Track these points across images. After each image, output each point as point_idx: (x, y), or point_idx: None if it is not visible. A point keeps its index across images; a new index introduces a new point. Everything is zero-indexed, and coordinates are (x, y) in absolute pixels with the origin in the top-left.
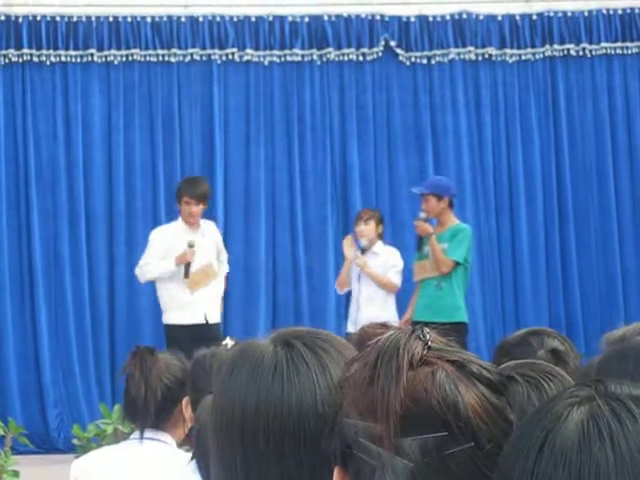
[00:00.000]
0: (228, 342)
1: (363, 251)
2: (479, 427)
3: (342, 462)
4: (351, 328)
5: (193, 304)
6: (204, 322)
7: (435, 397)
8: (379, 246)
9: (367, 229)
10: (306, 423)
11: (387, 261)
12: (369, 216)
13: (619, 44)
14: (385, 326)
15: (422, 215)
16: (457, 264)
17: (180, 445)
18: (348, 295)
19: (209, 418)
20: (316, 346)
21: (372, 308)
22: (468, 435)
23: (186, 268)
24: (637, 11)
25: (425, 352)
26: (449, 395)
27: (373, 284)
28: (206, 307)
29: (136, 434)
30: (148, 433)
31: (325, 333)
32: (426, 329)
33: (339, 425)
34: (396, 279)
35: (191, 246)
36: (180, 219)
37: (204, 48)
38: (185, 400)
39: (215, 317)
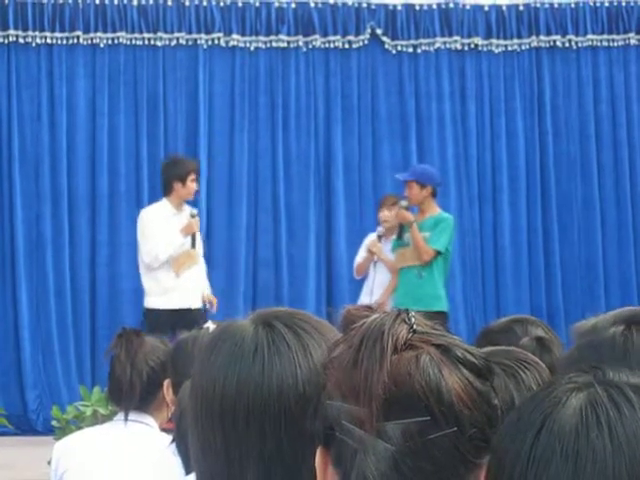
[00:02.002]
0: (210, 326)
1: (380, 238)
2: (462, 412)
3: (324, 443)
4: None
5: (177, 289)
6: (187, 307)
7: (418, 381)
8: None
9: (390, 215)
10: (287, 403)
11: None
12: (392, 202)
13: (605, 36)
14: (370, 309)
15: (403, 203)
16: (438, 253)
17: (163, 428)
18: (335, 282)
19: (189, 399)
20: (297, 326)
21: (385, 297)
22: (451, 420)
23: (192, 239)
24: (624, 4)
25: (410, 336)
26: (432, 379)
27: (387, 271)
28: (190, 292)
29: (120, 416)
30: (132, 415)
31: (305, 314)
32: (412, 312)
33: (322, 407)
34: None
35: (193, 216)
36: (165, 200)
37: (190, 32)
38: (166, 382)
39: (198, 303)
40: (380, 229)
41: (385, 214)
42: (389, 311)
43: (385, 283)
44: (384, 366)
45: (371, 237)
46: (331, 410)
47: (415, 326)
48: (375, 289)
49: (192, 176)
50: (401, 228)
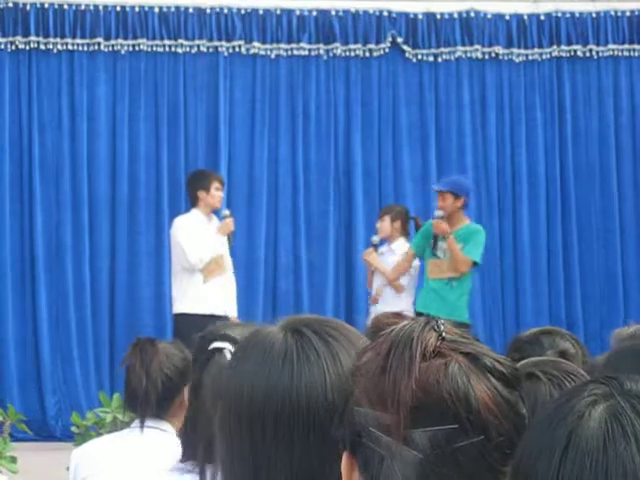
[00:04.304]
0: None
1: (375, 247)
2: (490, 420)
3: (351, 450)
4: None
5: (205, 295)
6: (213, 314)
7: (446, 389)
8: (399, 243)
9: (380, 226)
10: (315, 410)
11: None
12: (383, 212)
13: (626, 46)
14: (399, 316)
15: (439, 213)
16: (474, 264)
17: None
18: (354, 289)
19: (216, 404)
20: (326, 334)
21: (383, 303)
22: (478, 428)
23: (229, 238)
24: None
25: (439, 343)
26: (460, 387)
27: (384, 279)
28: (217, 299)
29: (136, 423)
30: (149, 422)
31: (335, 321)
32: (441, 320)
33: (350, 413)
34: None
35: (226, 216)
36: (195, 210)
37: (211, 40)
38: (187, 388)
39: (223, 310)
40: (375, 238)
41: (378, 225)
42: (418, 318)
43: (384, 291)
44: (412, 373)
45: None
46: (358, 416)
47: (444, 334)
48: (378, 298)
49: (216, 184)
50: (435, 239)
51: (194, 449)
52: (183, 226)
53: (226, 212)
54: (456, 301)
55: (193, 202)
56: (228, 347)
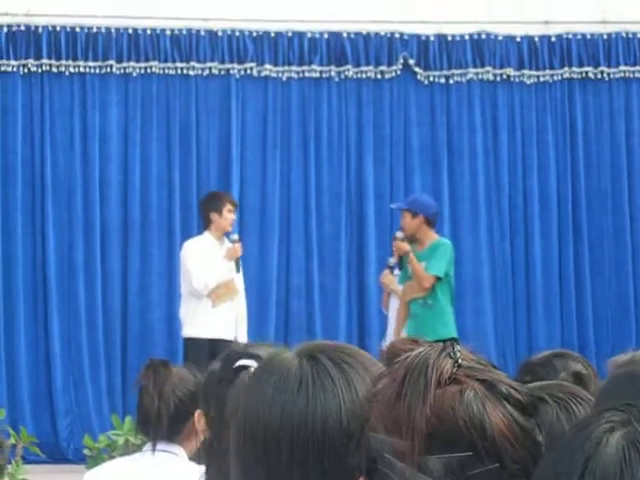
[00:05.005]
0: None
1: (391, 269)
2: (505, 448)
3: (367, 476)
4: (384, 344)
5: (212, 320)
6: (221, 338)
7: (461, 416)
8: None
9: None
10: (331, 437)
11: None
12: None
13: (638, 67)
14: (415, 342)
15: (399, 234)
16: (438, 279)
17: (192, 458)
18: (367, 311)
19: (230, 430)
20: (341, 360)
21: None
22: (493, 456)
23: (237, 263)
24: None
25: (454, 370)
26: (476, 415)
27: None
28: (224, 323)
29: (148, 446)
30: (160, 445)
31: (350, 347)
32: (457, 346)
33: (365, 439)
34: None
35: (235, 241)
36: (207, 233)
37: (223, 62)
38: (198, 413)
39: (231, 334)
40: (390, 260)
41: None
42: (434, 344)
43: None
44: (427, 400)
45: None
46: (374, 442)
47: (460, 360)
48: (392, 320)
49: (228, 207)
50: (401, 260)
51: (219, 465)
52: (192, 251)
53: (235, 237)
54: (438, 319)
55: (205, 224)
56: (253, 365)
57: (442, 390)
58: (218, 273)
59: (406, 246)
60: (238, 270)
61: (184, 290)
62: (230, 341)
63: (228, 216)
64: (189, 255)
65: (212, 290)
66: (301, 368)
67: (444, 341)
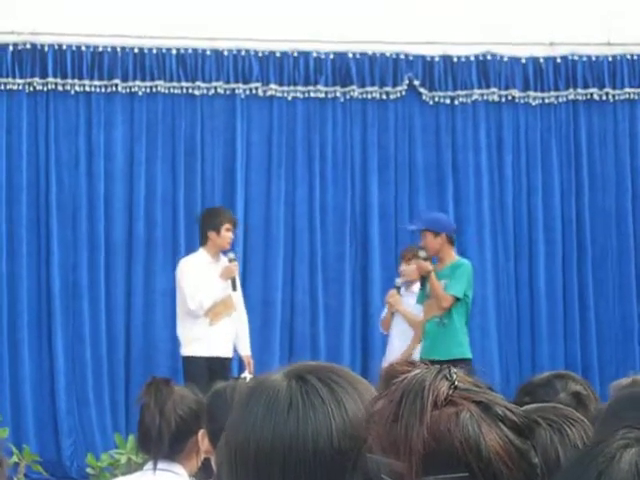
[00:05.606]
0: (247, 375)
1: (398, 289)
2: (500, 469)
3: None
4: (384, 364)
5: (210, 337)
6: (219, 356)
7: (457, 437)
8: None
9: (408, 269)
10: (322, 457)
11: None
12: (411, 256)
13: None
14: (412, 364)
15: (422, 254)
16: (457, 299)
17: (192, 477)
18: (371, 331)
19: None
20: (330, 380)
21: (402, 345)
22: (489, 477)
23: (233, 282)
24: None
25: (451, 392)
26: (472, 436)
27: (405, 322)
28: (222, 341)
29: (149, 465)
30: (161, 464)
31: (338, 367)
32: (453, 369)
33: (362, 460)
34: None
35: (232, 260)
36: (201, 250)
37: (228, 82)
38: (201, 432)
39: (229, 352)
40: (398, 280)
41: (403, 268)
42: (431, 367)
43: (403, 334)
44: (424, 421)
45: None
46: (371, 463)
47: (456, 382)
48: (394, 340)
49: (227, 225)
50: (423, 279)
51: None
52: (187, 269)
53: (231, 256)
54: (452, 338)
55: (202, 241)
56: None
57: (439, 411)
58: (213, 291)
59: (429, 266)
60: (234, 288)
61: (180, 309)
62: (229, 358)
63: (226, 235)
64: (184, 274)
65: (208, 309)
66: (290, 389)
67: (457, 361)
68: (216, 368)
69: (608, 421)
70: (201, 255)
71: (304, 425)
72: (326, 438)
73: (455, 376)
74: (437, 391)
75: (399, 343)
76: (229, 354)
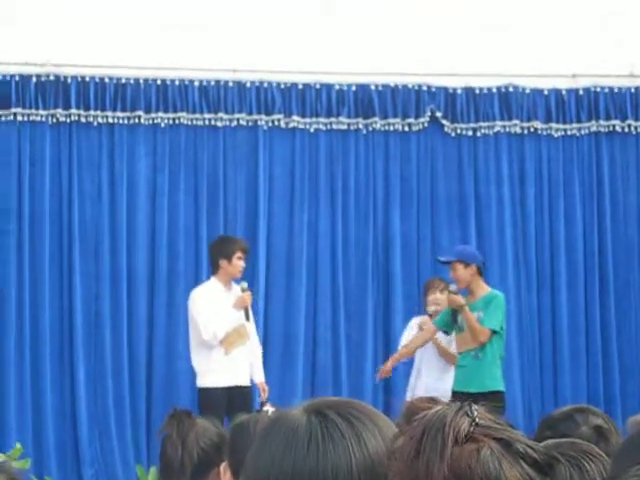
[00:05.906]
0: (269, 408)
1: (431, 317)
2: None
3: None
4: (409, 396)
5: (226, 367)
6: (237, 385)
7: (478, 474)
8: None
9: (441, 298)
10: None
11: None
12: (443, 286)
13: None
14: (433, 400)
15: (452, 287)
16: (494, 333)
17: None
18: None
19: None
20: (350, 415)
21: (431, 377)
22: None
23: (246, 312)
24: None
25: (472, 429)
26: (492, 473)
27: (435, 353)
28: (239, 370)
29: None
30: None
31: (358, 402)
32: (474, 406)
33: None
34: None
35: (244, 290)
36: (213, 279)
37: (250, 113)
38: (223, 465)
39: (247, 380)
40: (432, 308)
41: (437, 296)
42: (452, 404)
43: (434, 365)
44: (445, 458)
45: (415, 320)
46: None
47: (477, 419)
48: (423, 372)
49: (238, 254)
50: (454, 313)
51: None
52: (200, 299)
53: (244, 285)
54: (487, 371)
55: (213, 270)
56: None
57: (459, 448)
58: (226, 321)
59: (461, 299)
60: (247, 319)
61: (194, 340)
62: (248, 387)
63: (238, 263)
64: (196, 304)
65: (222, 339)
66: (310, 424)
67: (491, 394)
68: (235, 397)
69: (623, 457)
70: (213, 284)
71: (324, 460)
72: (346, 473)
73: (476, 413)
74: (458, 427)
75: (428, 376)
76: (247, 382)
